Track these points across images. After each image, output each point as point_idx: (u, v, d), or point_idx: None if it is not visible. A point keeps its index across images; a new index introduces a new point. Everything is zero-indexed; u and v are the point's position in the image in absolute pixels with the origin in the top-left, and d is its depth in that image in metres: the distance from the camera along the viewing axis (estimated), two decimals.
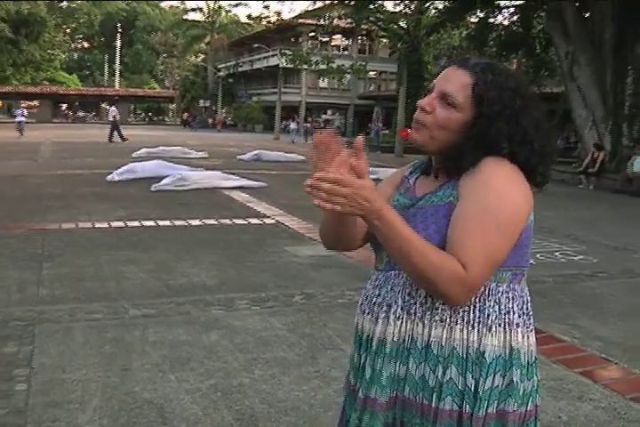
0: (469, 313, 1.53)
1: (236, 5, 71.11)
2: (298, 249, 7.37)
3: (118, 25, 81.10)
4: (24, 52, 52.49)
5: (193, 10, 68.21)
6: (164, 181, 12.59)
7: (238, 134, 48.85)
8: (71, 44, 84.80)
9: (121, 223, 8.59)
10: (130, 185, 12.65)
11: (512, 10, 25.31)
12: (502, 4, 25.36)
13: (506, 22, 25.69)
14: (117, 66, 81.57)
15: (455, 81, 1.57)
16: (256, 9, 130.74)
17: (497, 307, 1.54)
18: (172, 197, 11.31)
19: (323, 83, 53.94)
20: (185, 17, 70.90)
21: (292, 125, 43.79)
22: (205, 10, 64.33)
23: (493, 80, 1.55)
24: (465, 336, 1.52)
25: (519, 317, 1.56)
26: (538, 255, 7.35)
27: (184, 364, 3.95)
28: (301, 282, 5.96)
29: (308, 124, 45.95)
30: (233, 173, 14.35)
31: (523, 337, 1.56)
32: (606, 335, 4.78)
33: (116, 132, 29.90)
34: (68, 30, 77.92)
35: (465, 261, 1.43)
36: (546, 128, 1.62)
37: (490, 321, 1.52)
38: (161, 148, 20.99)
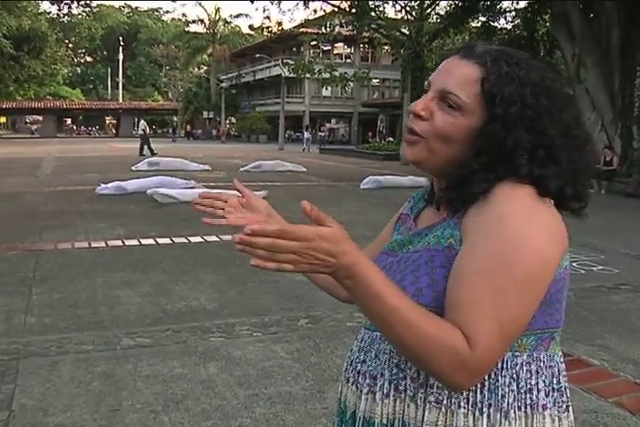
0: (477, 393, 1.13)
1: (237, 16, 71.03)
2: None
3: (120, 38, 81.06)
4: (26, 67, 52.34)
5: (194, 22, 67.99)
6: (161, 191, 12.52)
7: (242, 145, 48.59)
8: (74, 58, 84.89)
9: (119, 242, 8.25)
10: (130, 201, 12.32)
11: (514, 13, 25.07)
12: (505, 7, 25.09)
13: (509, 26, 25.43)
14: (120, 79, 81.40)
15: (458, 75, 1.17)
16: (257, 19, 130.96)
17: (514, 385, 1.13)
18: (173, 213, 10.97)
19: (326, 92, 53.77)
20: (186, 29, 70.79)
21: (306, 135, 43.94)
22: (206, 21, 64.25)
23: (509, 72, 1.15)
24: (471, 424, 1.12)
25: (546, 395, 1.16)
26: None
27: (179, 402, 3.60)
28: (306, 304, 5.61)
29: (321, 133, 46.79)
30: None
31: (553, 422, 1.16)
32: (638, 357, 4.41)
33: (146, 146, 30.14)
34: (69, 45, 77.95)
35: (470, 333, 1.03)
36: (578, 136, 1.19)
37: (506, 404, 1.12)
38: (158, 159, 20.76)
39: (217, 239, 8.55)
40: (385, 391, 1.19)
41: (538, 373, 1.16)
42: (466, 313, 1.05)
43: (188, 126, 63.79)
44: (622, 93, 17.83)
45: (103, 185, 13.65)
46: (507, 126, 1.13)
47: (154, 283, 6.23)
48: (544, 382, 1.16)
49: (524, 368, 1.15)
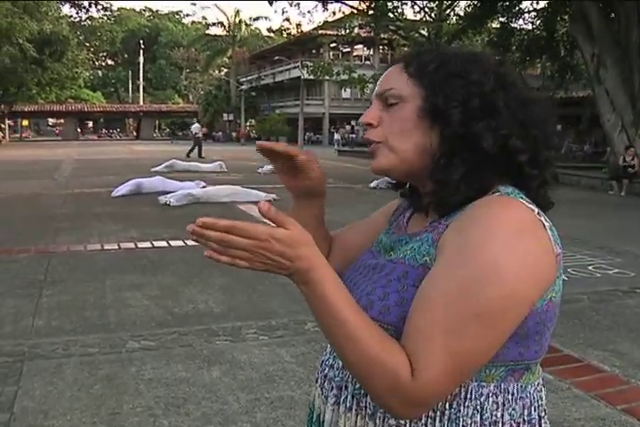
0: (436, 422, 1.05)
1: (257, 19, 71.21)
2: None
3: (141, 41, 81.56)
4: (48, 70, 52.72)
5: (214, 24, 68.19)
6: (172, 196, 12.59)
7: None
8: (95, 61, 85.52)
9: (131, 244, 8.26)
10: (145, 204, 12.34)
11: (534, 13, 24.87)
12: (524, 8, 24.89)
13: (528, 26, 25.23)
14: (141, 82, 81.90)
15: (389, 75, 1.18)
16: (276, 22, 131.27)
17: (478, 416, 1.04)
18: (187, 215, 10.95)
19: (345, 93, 53.62)
20: (206, 32, 71.08)
21: (337, 136, 44.17)
22: (226, 24, 64.46)
23: (425, 51, 1.18)
24: None
25: None
26: (569, 270, 6.86)
27: (179, 406, 3.57)
28: None
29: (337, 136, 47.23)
30: (252, 188, 14.03)
31: None
32: None
33: (196, 149, 30.47)
34: (90, 48, 78.46)
35: (416, 361, 0.96)
36: (514, 85, 1.13)
37: None
38: (174, 161, 20.92)
39: None
40: (348, 405, 1.14)
41: (504, 405, 1.06)
42: (418, 339, 0.98)
43: (205, 129, 63.90)
44: None
45: (119, 188, 13.76)
46: (436, 88, 1.10)
47: (163, 285, 6.21)
48: (510, 414, 1.07)
49: (490, 399, 1.06)
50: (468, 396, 1.05)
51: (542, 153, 1.11)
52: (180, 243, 8.36)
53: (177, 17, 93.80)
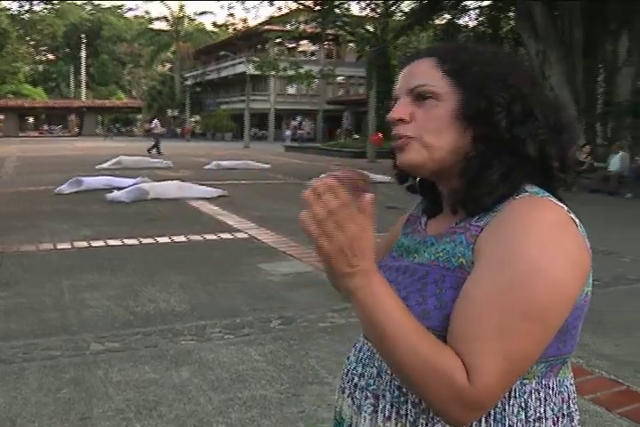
0: (481, 423, 1.06)
1: (202, 14, 70.60)
2: (273, 266, 6.94)
3: (83, 36, 79.82)
4: None
5: (158, 19, 67.33)
6: (120, 192, 12.43)
7: (207, 143, 48.29)
8: (35, 56, 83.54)
9: (85, 243, 8.09)
10: (93, 201, 12.10)
11: (479, 11, 25.22)
12: (469, 4, 25.22)
13: (474, 23, 25.58)
14: (83, 77, 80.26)
15: (417, 70, 1.15)
16: (222, 17, 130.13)
17: (523, 414, 1.06)
18: (138, 213, 10.82)
19: (291, 89, 53.61)
20: (150, 26, 70.11)
21: (288, 132, 44.14)
22: (170, 19, 63.67)
23: (459, 47, 1.18)
24: None
25: (554, 424, 1.08)
26: None
27: (151, 409, 3.50)
28: (278, 304, 5.54)
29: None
30: (202, 184, 13.92)
31: None
32: (613, 353, 4.42)
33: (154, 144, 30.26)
34: (31, 42, 76.64)
35: (472, 366, 0.95)
36: (543, 90, 1.16)
37: None
38: (121, 157, 20.65)
39: (185, 239, 8.43)
40: (387, 414, 1.12)
41: (546, 400, 1.08)
42: (471, 344, 0.97)
43: (147, 125, 62.81)
44: (585, 90, 18.03)
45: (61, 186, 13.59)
46: (476, 90, 1.09)
47: (122, 285, 6.11)
48: (552, 409, 1.09)
49: (533, 396, 1.07)
50: (512, 394, 1.06)
51: (569, 157, 1.13)
52: (134, 241, 8.23)
53: (119, 11, 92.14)
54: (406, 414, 1.10)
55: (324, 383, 3.85)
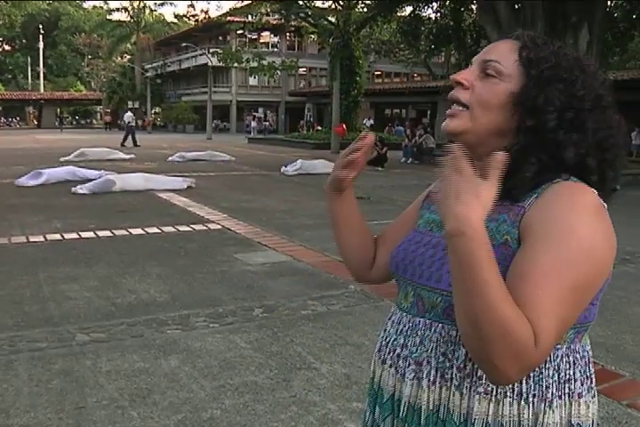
0: (522, 384, 1.17)
1: (162, 4, 69.69)
2: (249, 256, 7.00)
3: (40, 26, 78.27)
4: None
5: (117, 10, 66.46)
6: (87, 185, 12.38)
7: (169, 135, 47.89)
8: None
9: (58, 236, 8.03)
10: (61, 194, 11.99)
11: (440, 3, 25.38)
12: None
13: (436, 16, 25.75)
14: (41, 69, 78.77)
15: (497, 48, 1.25)
16: (182, 8, 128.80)
17: (556, 376, 1.18)
18: (108, 205, 10.76)
19: (253, 81, 53.33)
20: (109, 17, 69.11)
21: (253, 124, 44.03)
22: (130, 10, 62.84)
23: (546, 43, 1.25)
24: (516, 412, 1.16)
25: (581, 384, 1.21)
26: None
27: (145, 397, 3.55)
28: (259, 293, 5.60)
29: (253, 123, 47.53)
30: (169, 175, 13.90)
31: (587, 408, 1.22)
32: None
33: (130, 137, 30.09)
34: None
35: (537, 327, 1.04)
36: (609, 109, 1.23)
37: (550, 394, 1.17)
38: (84, 150, 20.46)
39: (158, 231, 8.42)
40: (431, 379, 1.21)
41: (575, 363, 1.21)
42: (532, 310, 1.05)
43: (108, 117, 62.00)
44: None
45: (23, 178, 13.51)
46: (540, 85, 1.19)
47: (99, 276, 6.10)
48: (580, 371, 1.22)
49: (564, 360, 1.20)
50: (548, 358, 1.17)
51: (609, 175, 1.24)
52: (107, 233, 8.21)
53: (78, 1, 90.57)
54: (451, 378, 1.19)
55: (312, 369, 3.94)
